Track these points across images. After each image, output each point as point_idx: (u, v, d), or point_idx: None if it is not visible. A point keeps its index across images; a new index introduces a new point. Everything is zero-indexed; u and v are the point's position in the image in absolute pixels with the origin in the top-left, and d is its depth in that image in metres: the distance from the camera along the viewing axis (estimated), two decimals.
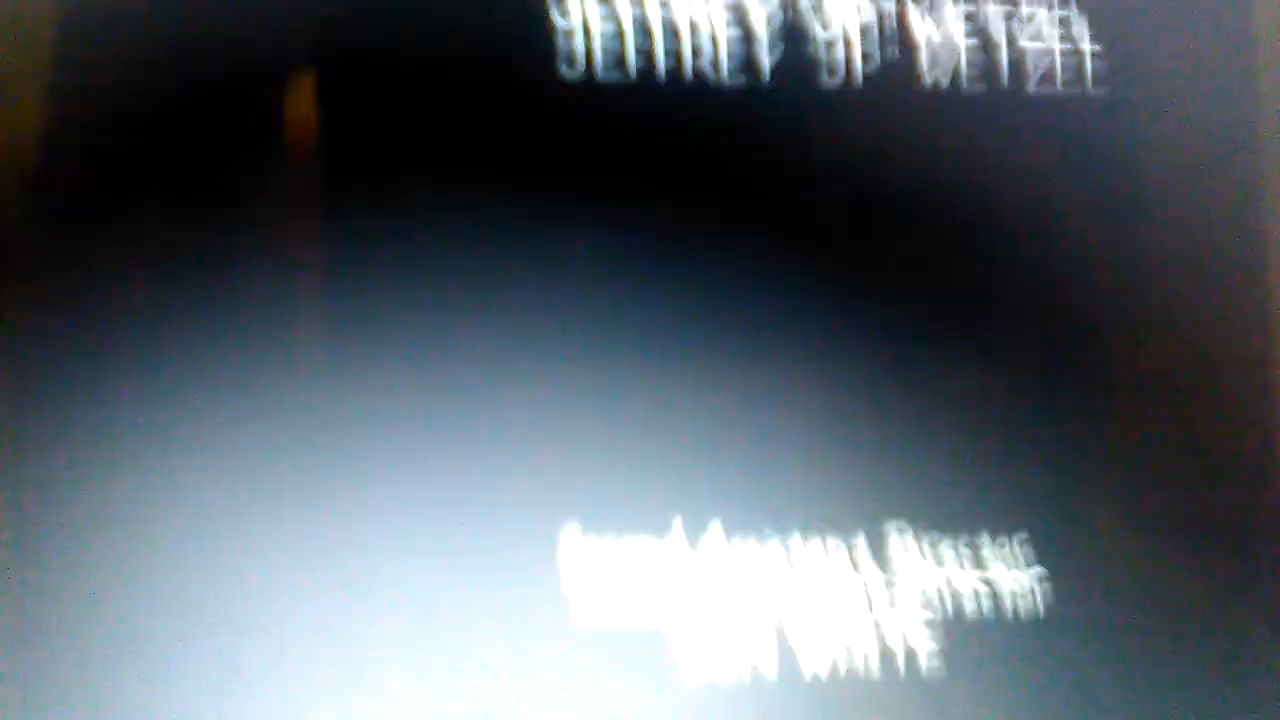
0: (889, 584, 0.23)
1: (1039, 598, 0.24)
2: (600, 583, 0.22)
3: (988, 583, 0.23)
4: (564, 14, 0.23)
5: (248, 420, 0.22)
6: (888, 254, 0.24)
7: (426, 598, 0.22)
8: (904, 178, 0.24)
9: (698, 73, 0.24)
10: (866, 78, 0.24)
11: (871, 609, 0.23)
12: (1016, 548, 0.24)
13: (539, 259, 0.23)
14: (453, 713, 0.22)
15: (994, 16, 0.25)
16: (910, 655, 0.23)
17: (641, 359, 0.23)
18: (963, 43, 0.25)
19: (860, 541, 0.23)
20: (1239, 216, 0.25)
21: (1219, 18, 0.26)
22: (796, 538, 0.23)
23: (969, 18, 0.25)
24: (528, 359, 0.23)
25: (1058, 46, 0.25)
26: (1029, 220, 0.25)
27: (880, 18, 0.24)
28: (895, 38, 0.24)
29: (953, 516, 0.23)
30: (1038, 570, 0.24)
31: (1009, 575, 0.24)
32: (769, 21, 0.24)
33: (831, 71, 0.24)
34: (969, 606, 0.23)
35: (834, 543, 0.23)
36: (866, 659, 0.23)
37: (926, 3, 0.25)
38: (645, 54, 0.23)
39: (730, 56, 0.24)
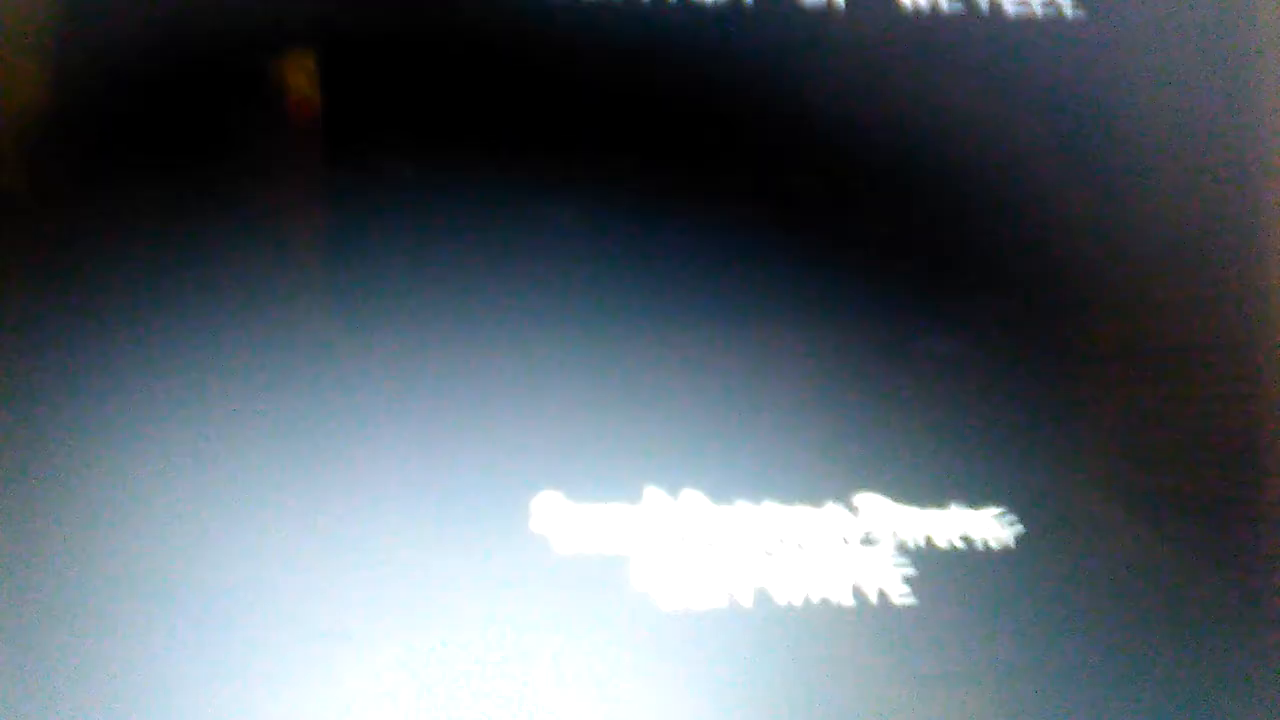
0: (864, 532, 0.24)
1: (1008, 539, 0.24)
2: (573, 533, 0.23)
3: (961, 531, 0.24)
4: None
5: (235, 396, 0.22)
6: (869, 205, 0.24)
7: (406, 559, 0.22)
8: (883, 114, 0.24)
9: None
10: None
11: (845, 545, 0.23)
12: (992, 520, 0.24)
13: (518, 224, 0.23)
14: (423, 647, 0.22)
15: None
16: (881, 588, 0.23)
17: (619, 326, 0.23)
18: None
19: (834, 509, 0.24)
20: (1231, 152, 0.25)
21: None
22: (771, 505, 0.23)
23: None
24: (507, 329, 0.23)
25: None
26: (1011, 165, 0.24)
27: None
28: None
29: (928, 488, 0.23)
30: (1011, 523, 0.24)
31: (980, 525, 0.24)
32: None
33: None
34: (941, 542, 0.24)
35: (808, 511, 0.23)
36: (838, 592, 0.23)
37: None
38: None
39: None
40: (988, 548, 0.24)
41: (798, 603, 0.23)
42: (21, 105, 0.22)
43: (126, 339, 0.22)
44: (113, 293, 0.22)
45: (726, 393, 0.23)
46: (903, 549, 0.23)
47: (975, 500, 0.24)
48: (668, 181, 0.23)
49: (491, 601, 0.22)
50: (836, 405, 0.23)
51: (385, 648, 0.22)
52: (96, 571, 0.22)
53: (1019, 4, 0.24)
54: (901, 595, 0.23)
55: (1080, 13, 0.24)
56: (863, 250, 0.24)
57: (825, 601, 0.23)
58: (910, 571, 0.23)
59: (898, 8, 0.24)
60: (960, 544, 0.24)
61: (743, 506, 0.23)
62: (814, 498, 0.23)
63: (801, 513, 0.23)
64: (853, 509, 0.24)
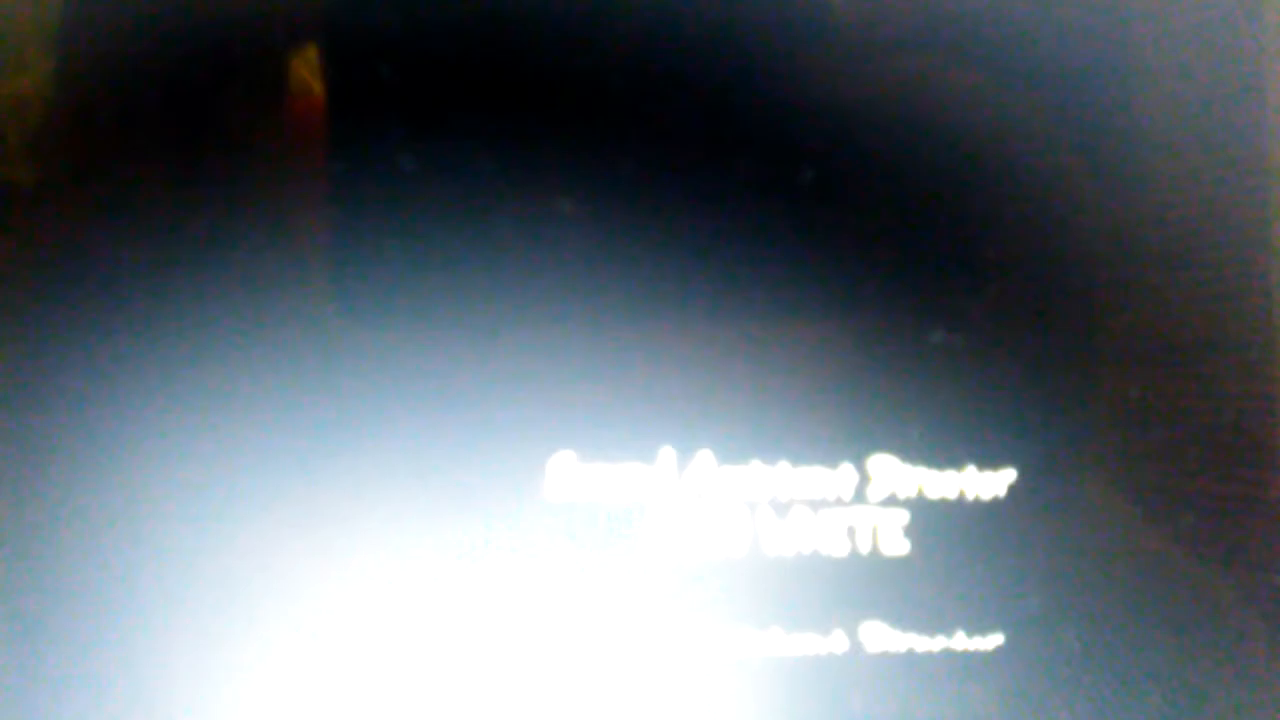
0: (863, 483, 0.24)
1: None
2: (588, 493, 0.23)
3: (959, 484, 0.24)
4: None
5: (243, 370, 0.22)
6: (876, 168, 0.24)
7: (421, 522, 0.22)
8: (888, 79, 0.24)
9: None
10: None
11: (843, 500, 0.24)
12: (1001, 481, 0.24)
13: (531, 185, 0.23)
14: (437, 608, 0.23)
15: None
16: (877, 539, 0.24)
17: (632, 289, 0.23)
18: None
19: (846, 469, 0.24)
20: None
21: None
22: (784, 466, 0.23)
23: None
24: (519, 291, 0.23)
25: None
26: (1018, 158, 0.24)
27: None
28: None
29: (939, 450, 0.23)
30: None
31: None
32: None
33: None
34: (936, 495, 0.24)
35: (821, 471, 0.24)
36: (835, 542, 0.23)
37: None
38: None
39: None
40: (991, 499, 0.24)
41: (807, 559, 0.23)
42: (22, 99, 0.22)
43: (124, 333, 0.22)
44: (109, 286, 0.22)
45: (740, 355, 0.23)
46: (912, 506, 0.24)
47: (985, 465, 0.24)
48: (676, 149, 0.23)
49: (506, 563, 0.23)
50: (851, 369, 0.23)
51: (398, 609, 0.22)
52: (95, 566, 0.22)
53: None
54: (906, 552, 0.23)
55: (1088, 5, 0.25)
56: (874, 228, 0.23)
57: (834, 559, 0.23)
58: (916, 528, 0.23)
59: None
60: (964, 502, 0.24)
61: (756, 466, 0.23)
62: (828, 459, 0.23)
63: (814, 473, 0.23)
64: (865, 471, 0.24)
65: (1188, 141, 0.25)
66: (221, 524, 0.22)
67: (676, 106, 0.23)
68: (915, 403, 0.23)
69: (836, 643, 0.24)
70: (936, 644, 0.24)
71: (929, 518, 0.24)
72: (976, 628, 0.24)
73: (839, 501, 0.24)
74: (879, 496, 0.24)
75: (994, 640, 0.24)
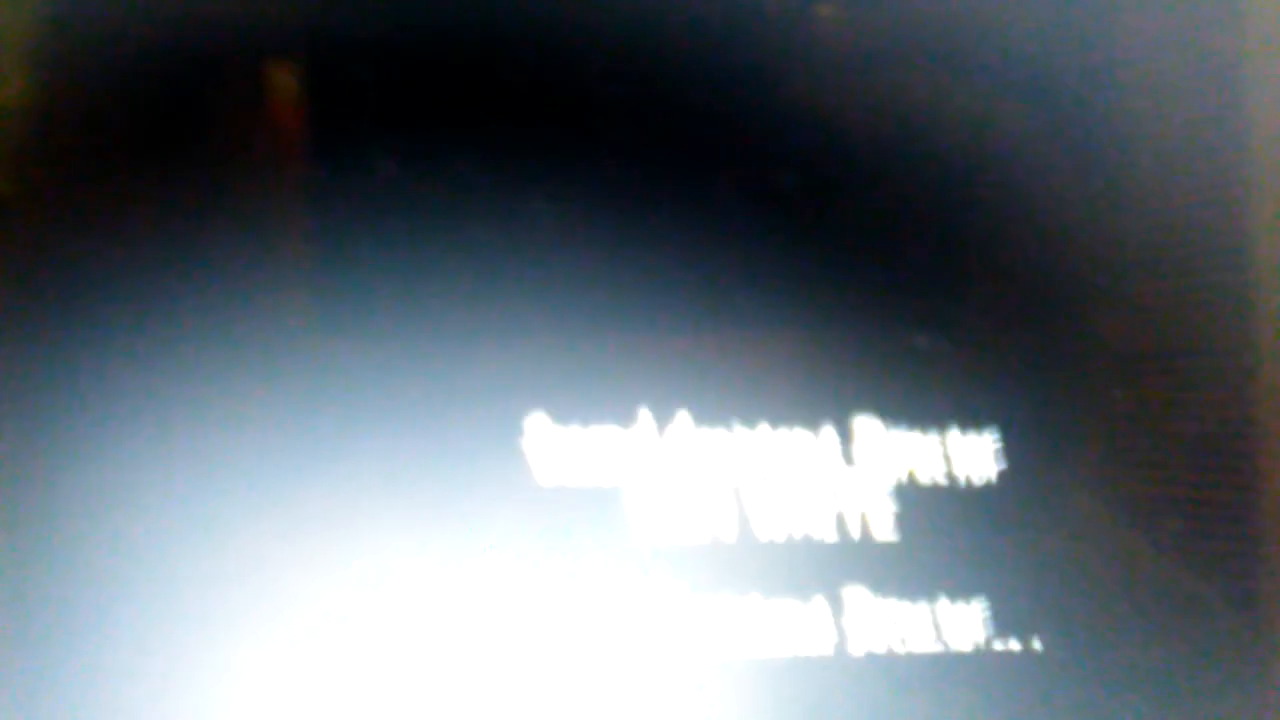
0: (849, 456, 0.23)
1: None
2: (563, 457, 0.23)
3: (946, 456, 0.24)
4: None
5: (226, 368, 0.22)
6: (864, 145, 0.24)
7: (396, 480, 0.22)
8: (873, 87, 0.24)
9: None
10: None
11: (831, 476, 0.23)
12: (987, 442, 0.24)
13: (510, 154, 0.23)
14: (406, 571, 0.22)
15: None
16: (865, 519, 0.23)
17: (611, 253, 0.23)
18: None
19: (828, 431, 0.23)
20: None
21: None
22: (764, 428, 0.23)
23: None
24: (498, 255, 0.23)
25: None
26: (1004, 163, 0.24)
27: None
28: None
29: (923, 412, 0.23)
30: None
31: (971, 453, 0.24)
32: None
33: None
34: (925, 473, 0.24)
35: (801, 433, 0.23)
36: (822, 523, 0.23)
37: None
38: None
39: None
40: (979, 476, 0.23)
41: (786, 529, 0.23)
42: (10, 105, 0.22)
43: (112, 338, 0.22)
44: (95, 290, 0.22)
45: (720, 315, 0.23)
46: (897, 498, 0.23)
47: (969, 427, 0.24)
48: (664, 98, 0.23)
49: (483, 528, 0.22)
50: (833, 330, 0.23)
51: (373, 576, 0.22)
52: (86, 566, 0.22)
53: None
54: (892, 526, 0.23)
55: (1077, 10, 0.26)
56: (859, 235, 0.24)
57: (813, 529, 0.23)
58: (901, 523, 0.23)
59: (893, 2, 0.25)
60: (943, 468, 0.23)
61: (738, 430, 0.23)
62: (809, 421, 0.23)
63: (795, 435, 0.23)
64: (848, 433, 0.23)
65: (1171, 150, 0.25)
66: (206, 516, 0.22)
67: (658, 113, 0.23)
68: (898, 410, 0.23)
69: (818, 608, 0.23)
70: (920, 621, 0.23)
71: (915, 516, 0.23)
72: (957, 630, 0.23)
73: (824, 468, 0.23)
74: (862, 462, 0.23)
75: (974, 647, 0.23)
